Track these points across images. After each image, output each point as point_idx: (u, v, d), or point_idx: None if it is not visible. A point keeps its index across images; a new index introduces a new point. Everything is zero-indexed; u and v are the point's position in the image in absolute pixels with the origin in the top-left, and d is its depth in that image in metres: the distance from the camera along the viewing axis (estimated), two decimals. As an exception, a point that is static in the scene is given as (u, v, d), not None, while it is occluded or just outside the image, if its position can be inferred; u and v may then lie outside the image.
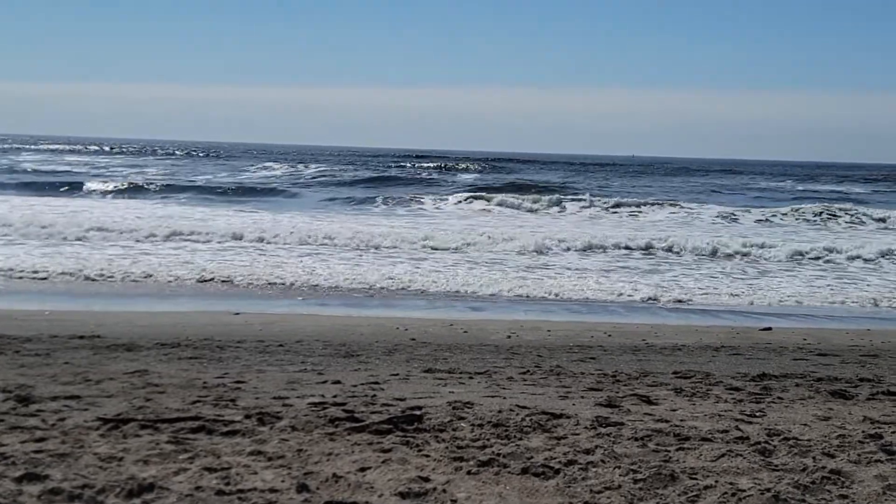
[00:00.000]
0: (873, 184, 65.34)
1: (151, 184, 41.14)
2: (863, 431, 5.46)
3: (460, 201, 35.54)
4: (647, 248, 21.33)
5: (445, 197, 37.15)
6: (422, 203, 35.66)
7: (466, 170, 65.17)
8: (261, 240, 20.59)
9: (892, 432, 5.47)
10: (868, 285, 17.85)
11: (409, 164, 70.73)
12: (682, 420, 5.68)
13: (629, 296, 15.28)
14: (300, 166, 61.26)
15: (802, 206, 36.37)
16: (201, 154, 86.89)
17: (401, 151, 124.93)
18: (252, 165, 62.92)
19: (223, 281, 15.33)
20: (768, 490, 4.10)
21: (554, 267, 18.74)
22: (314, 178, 51.49)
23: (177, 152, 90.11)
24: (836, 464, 4.67)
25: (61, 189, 38.21)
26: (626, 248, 21.47)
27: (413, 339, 9.86)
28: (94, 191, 37.85)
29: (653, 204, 35.76)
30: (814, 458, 4.78)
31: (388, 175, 53.26)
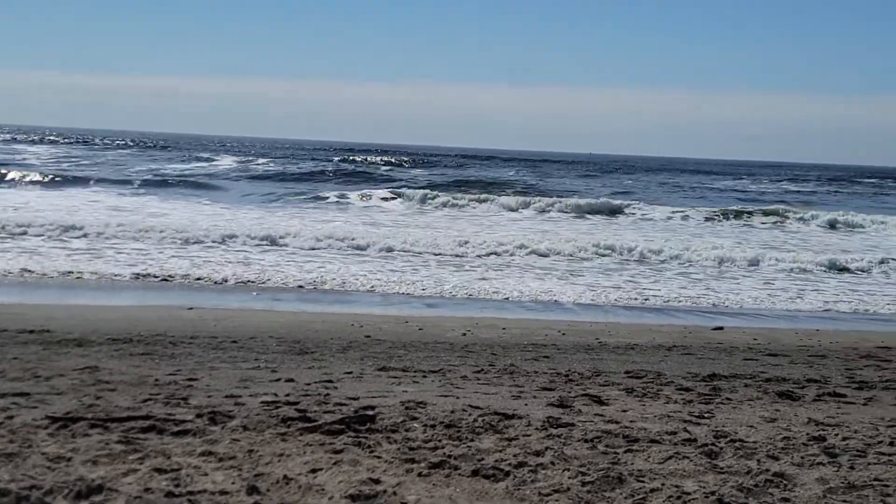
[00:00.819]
0: (832, 184, 66.33)
1: (92, 174, 40.62)
2: (807, 434, 5.55)
3: (403, 198, 35.13)
4: (594, 250, 21.25)
5: (394, 191, 36.69)
6: (369, 198, 35.14)
7: (422, 164, 65.10)
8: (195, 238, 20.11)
9: (836, 434, 5.57)
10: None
11: (366, 159, 70.47)
12: (632, 421, 5.75)
13: (584, 295, 15.39)
14: (252, 159, 60.84)
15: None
16: (151, 145, 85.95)
17: (368, 146, 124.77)
18: (204, 155, 62.53)
19: (167, 277, 15.19)
20: (713, 493, 4.16)
21: (514, 267, 18.83)
22: (262, 170, 50.96)
23: (129, 142, 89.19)
24: (780, 466, 4.75)
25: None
26: (571, 251, 21.40)
27: (368, 337, 9.86)
28: (20, 180, 37.19)
29: (606, 206, 35.78)
30: (758, 460, 4.86)
31: (335, 170, 52.47)
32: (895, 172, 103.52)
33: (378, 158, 71.28)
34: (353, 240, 20.27)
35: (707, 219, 33.58)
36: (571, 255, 20.45)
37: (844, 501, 4.20)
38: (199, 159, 58.74)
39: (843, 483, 4.46)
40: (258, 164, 55.67)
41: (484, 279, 16.50)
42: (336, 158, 69.38)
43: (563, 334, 10.85)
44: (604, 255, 20.58)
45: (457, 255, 19.46)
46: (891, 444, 5.38)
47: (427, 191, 36.71)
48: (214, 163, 56.07)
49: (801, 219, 33.78)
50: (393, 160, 68.53)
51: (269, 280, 15.07)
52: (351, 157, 71.74)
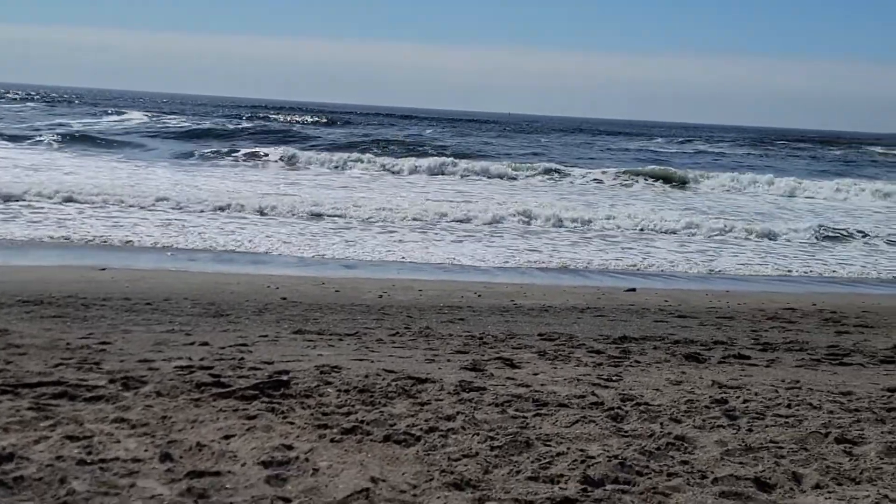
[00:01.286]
0: (744, 146, 67.54)
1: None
2: (710, 396, 5.74)
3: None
4: (513, 213, 21.33)
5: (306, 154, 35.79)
6: (285, 157, 33.86)
7: (339, 123, 64.51)
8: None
9: (737, 397, 5.77)
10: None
11: (282, 117, 69.40)
12: (542, 385, 5.88)
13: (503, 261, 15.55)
14: (164, 115, 59.58)
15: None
16: (58, 99, 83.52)
17: (283, 103, 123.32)
18: (115, 111, 61.09)
19: (84, 238, 14.95)
20: (616, 457, 4.30)
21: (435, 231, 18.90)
22: (175, 127, 49.47)
23: (34, 96, 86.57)
24: (682, 429, 4.91)
25: None
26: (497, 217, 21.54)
27: (284, 299, 9.85)
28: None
29: (528, 167, 35.86)
30: (661, 424, 5.02)
31: (251, 128, 50.62)
32: (804, 134, 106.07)
33: (295, 117, 70.26)
34: (270, 200, 20.14)
35: (623, 180, 33.95)
36: (490, 218, 20.45)
37: (740, 463, 4.37)
38: (108, 114, 57.33)
39: (740, 445, 4.64)
40: (171, 121, 54.44)
41: (402, 241, 16.55)
42: (252, 115, 68.36)
43: (480, 296, 10.97)
44: (522, 218, 20.65)
45: (377, 216, 19.42)
46: (788, 406, 5.60)
47: (348, 153, 36.17)
48: (125, 119, 54.65)
49: (716, 181, 34.38)
50: (309, 119, 67.61)
51: (185, 240, 14.92)
52: (266, 115, 70.72)
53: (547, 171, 34.32)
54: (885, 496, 4.00)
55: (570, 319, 9.42)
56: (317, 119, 67.80)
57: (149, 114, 59.36)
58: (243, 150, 35.94)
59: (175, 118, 56.84)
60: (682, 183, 34.00)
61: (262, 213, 18.78)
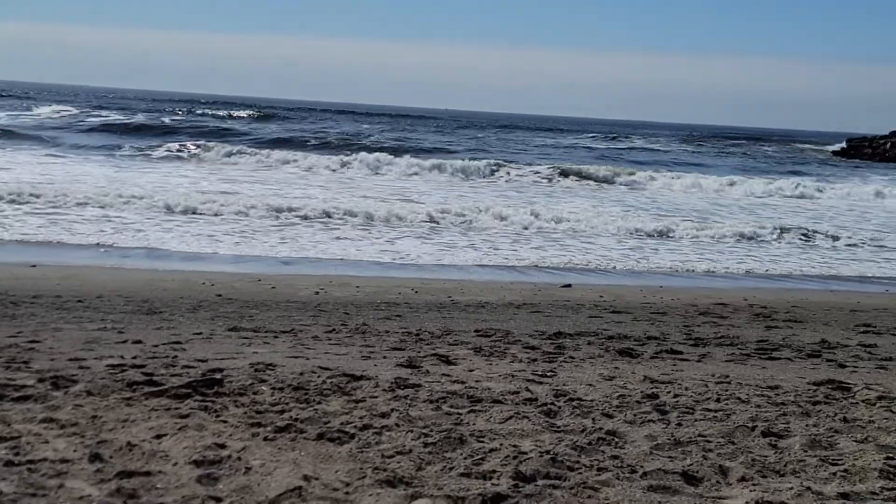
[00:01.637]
0: (676, 141, 68.47)
1: None
2: (641, 391, 5.82)
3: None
4: (454, 210, 21.48)
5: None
6: (220, 153, 33.32)
7: (278, 118, 64.08)
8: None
9: (668, 392, 5.86)
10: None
11: (217, 112, 68.41)
12: (477, 381, 5.91)
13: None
14: (94, 109, 58.54)
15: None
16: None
17: (217, 98, 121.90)
18: (40, 104, 59.93)
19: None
20: (548, 452, 4.34)
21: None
22: (107, 121, 48.57)
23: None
24: (614, 424, 4.98)
25: None
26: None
27: (219, 296, 9.78)
28: None
29: (467, 164, 35.92)
30: (593, 419, 5.08)
31: (183, 123, 49.88)
32: (734, 131, 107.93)
33: (229, 111, 69.24)
34: (205, 196, 19.95)
35: (560, 176, 34.13)
36: (428, 215, 20.43)
37: (669, 457, 4.44)
38: (36, 108, 56.13)
39: (669, 440, 4.71)
40: (102, 115, 53.32)
41: (339, 238, 16.51)
42: (187, 110, 67.48)
43: (417, 292, 10.98)
44: (461, 214, 20.67)
45: (314, 212, 19.28)
46: (717, 400, 5.70)
47: (284, 149, 35.87)
48: (54, 112, 53.39)
49: (652, 177, 34.74)
50: (244, 114, 66.72)
51: (120, 238, 14.73)
52: (201, 111, 69.72)
53: (486, 167, 34.36)
54: (808, 488, 4.10)
55: (507, 316, 9.47)
56: (252, 113, 67.12)
57: (78, 108, 58.35)
58: (177, 145, 35.42)
59: (106, 112, 55.90)
60: (616, 180, 34.28)
61: (195, 210, 18.54)
